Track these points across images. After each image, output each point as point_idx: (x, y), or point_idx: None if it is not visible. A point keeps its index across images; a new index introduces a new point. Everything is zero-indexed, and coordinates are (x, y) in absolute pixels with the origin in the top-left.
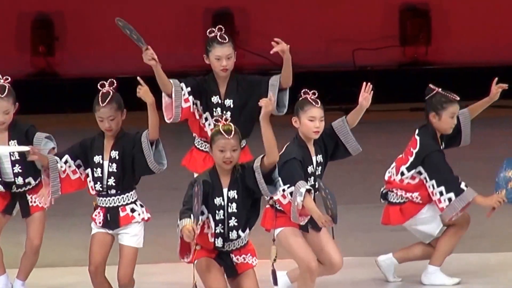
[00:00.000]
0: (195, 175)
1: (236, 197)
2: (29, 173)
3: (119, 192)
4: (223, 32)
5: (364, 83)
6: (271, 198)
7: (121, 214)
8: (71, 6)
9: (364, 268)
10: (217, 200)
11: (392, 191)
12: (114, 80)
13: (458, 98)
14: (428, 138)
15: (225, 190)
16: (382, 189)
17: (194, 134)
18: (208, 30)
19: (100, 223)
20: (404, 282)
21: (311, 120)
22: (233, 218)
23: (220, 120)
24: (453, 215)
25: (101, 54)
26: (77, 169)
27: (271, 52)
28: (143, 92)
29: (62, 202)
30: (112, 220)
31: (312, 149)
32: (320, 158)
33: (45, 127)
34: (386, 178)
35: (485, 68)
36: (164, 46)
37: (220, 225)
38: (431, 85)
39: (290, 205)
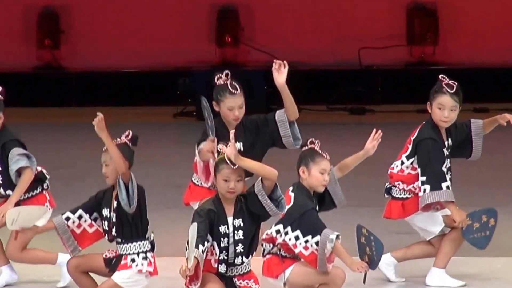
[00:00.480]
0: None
1: (242, 225)
2: (9, 186)
3: (123, 241)
4: (229, 76)
5: (374, 130)
6: (275, 246)
7: (122, 262)
8: (77, 0)
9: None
10: (222, 228)
11: (395, 186)
12: None
13: (453, 91)
14: (427, 128)
15: (229, 219)
16: (386, 184)
17: (194, 174)
18: (216, 77)
19: (106, 255)
20: (407, 282)
21: (322, 173)
22: (240, 244)
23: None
24: (423, 205)
25: (106, 48)
26: (93, 222)
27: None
28: (100, 128)
29: (69, 201)
30: (114, 264)
31: (314, 200)
32: (317, 207)
33: (50, 120)
34: (389, 172)
35: (492, 69)
36: (170, 43)
37: (224, 252)
38: (441, 76)
39: (314, 255)
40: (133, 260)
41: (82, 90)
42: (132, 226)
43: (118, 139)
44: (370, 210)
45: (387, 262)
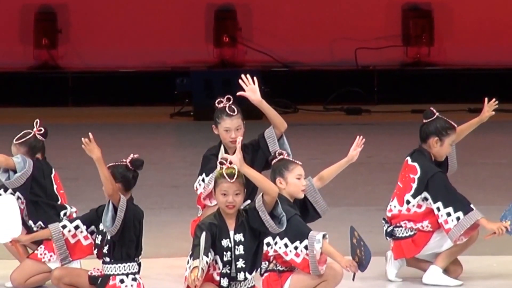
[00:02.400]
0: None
1: (242, 240)
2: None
3: (111, 261)
4: (231, 102)
5: (358, 137)
6: (270, 262)
7: (110, 282)
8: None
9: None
10: (224, 242)
11: (400, 226)
12: None
13: (456, 126)
14: (427, 161)
15: (231, 233)
16: (386, 228)
17: (198, 206)
18: (217, 101)
19: (92, 273)
20: (405, 282)
21: (298, 179)
22: (240, 260)
23: (225, 162)
24: (458, 236)
25: (104, 48)
26: (89, 235)
27: (237, 94)
28: (89, 150)
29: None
30: (100, 284)
31: (296, 208)
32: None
33: (47, 120)
34: (389, 215)
35: (488, 70)
36: (167, 42)
37: (227, 266)
38: (432, 109)
39: (306, 261)
40: (122, 281)
41: (79, 90)
42: (123, 248)
43: (123, 160)
44: (367, 209)
45: (399, 262)
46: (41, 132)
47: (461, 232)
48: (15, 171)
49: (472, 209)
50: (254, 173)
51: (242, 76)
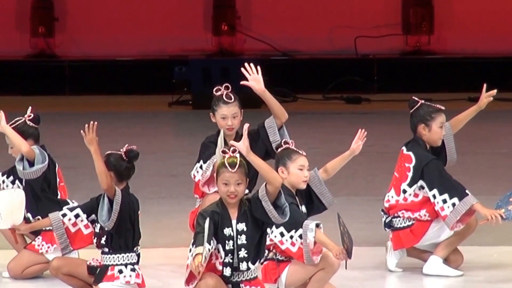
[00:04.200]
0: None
1: (245, 229)
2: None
3: (110, 251)
4: (229, 90)
5: (360, 130)
6: (270, 251)
7: (108, 273)
8: None
9: (364, 258)
10: (227, 231)
11: (398, 216)
12: None
13: (444, 108)
14: (421, 150)
15: (233, 222)
16: (384, 219)
17: (196, 196)
18: (215, 89)
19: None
20: (405, 272)
21: (300, 169)
22: (242, 249)
23: (227, 151)
24: (455, 222)
25: (101, 36)
26: (90, 224)
27: (241, 83)
28: (89, 140)
29: None
30: (99, 274)
31: (298, 199)
32: (304, 208)
33: (44, 108)
34: (386, 205)
35: (488, 58)
36: (165, 30)
37: (229, 255)
38: (414, 97)
39: (301, 251)
40: (120, 271)
41: (76, 79)
42: (121, 238)
43: (120, 150)
44: (366, 199)
45: (400, 252)
46: (31, 117)
47: (457, 218)
48: (29, 162)
49: (467, 195)
50: (260, 161)
51: (245, 64)
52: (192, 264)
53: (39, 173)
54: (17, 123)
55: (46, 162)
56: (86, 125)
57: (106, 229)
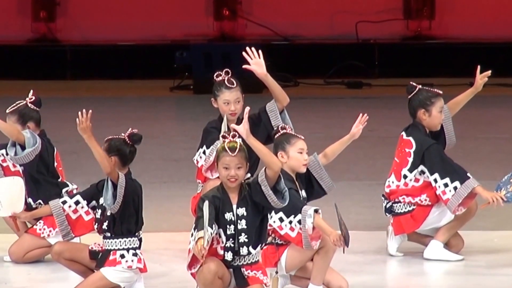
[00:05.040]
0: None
1: (245, 214)
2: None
3: (112, 236)
4: (230, 76)
5: (361, 114)
6: (270, 235)
7: (110, 257)
8: None
9: (365, 242)
10: (228, 215)
11: (398, 202)
12: None
13: (441, 92)
14: (421, 135)
15: (234, 207)
16: (385, 204)
17: (198, 181)
18: (216, 74)
19: (92, 248)
20: (406, 256)
21: (300, 153)
22: (243, 234)
23: (227, 136)
24: (457, 206)
25: (102, 21)
26: (90, 210)
27: (243, 67)
28: (82, 128)
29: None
30: (101, 259)
31: (298, 184)
32: (304, 193)
33: (45, 93)
34: (387, 190)
35: (489, 43)
36: (167, 15)
37: (231, 239)
38: (412, 83)
39: (300, 236)
40: (122, 256)
41: (77, 63)
42: (124, 223)
43: (122, 135)
44: (368, 183)
45: (400, 236)
46: (32, 100)
47: (459, 201)
48: (22, 147)
49: (469, 178)
50: (259, 145)
51: (247, 48)
52: (195, 248)
53: (32, 157)
54: (19, 105)
55: (37, 145)
56: (80, 113)
57: (111, 212)
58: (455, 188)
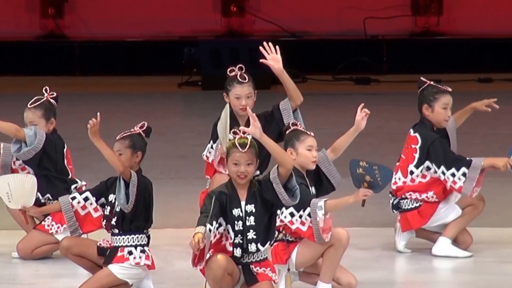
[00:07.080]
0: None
1: (253, 210)
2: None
3: (120, 233)
4: (243, 71)
5: (362, 104)
6: (280, 232)
7: (118, 254)
8: None
9: (373, 238)
10: (235, 211)
11: (405, 198)
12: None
13: (450, 90)
14: (427, 130)
15: (243, 203)
16: (392, 200)
17: (207, 177)
18: (229, 69)
19: (101, 244)
20: (414, 253)
21: (309, 150)
22: (251, 231)
23: (238, 132)
24: (472, 190)
25: (110, 17)
26: (99, 207)
27: (260, 61)
28: (92, 133)
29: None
30: (109, 256)
31: (308, 181)
32: (313, 190)
33: (54, 89)
34: (394, 187)
35: (496, 39)
36: (175, 11)
37: (239, 235)
38: (422, 78)
39: (311, 229)
40: (130, 253)
41: (86, 59)
42: (133, 220)
43: (133, 129)
44: None
45: (408, 233)
46: (53, 96)
47: (473, 185)
48: (26, 143)
49: (471, 160)
50: (272, 143)
51: (264, 43)
52: (191, 241)
53: (30, 155)
54: (42, 101)
55: (36, 144)
56: (93, 119)
57: (125, 211)
58: (464, 174)
